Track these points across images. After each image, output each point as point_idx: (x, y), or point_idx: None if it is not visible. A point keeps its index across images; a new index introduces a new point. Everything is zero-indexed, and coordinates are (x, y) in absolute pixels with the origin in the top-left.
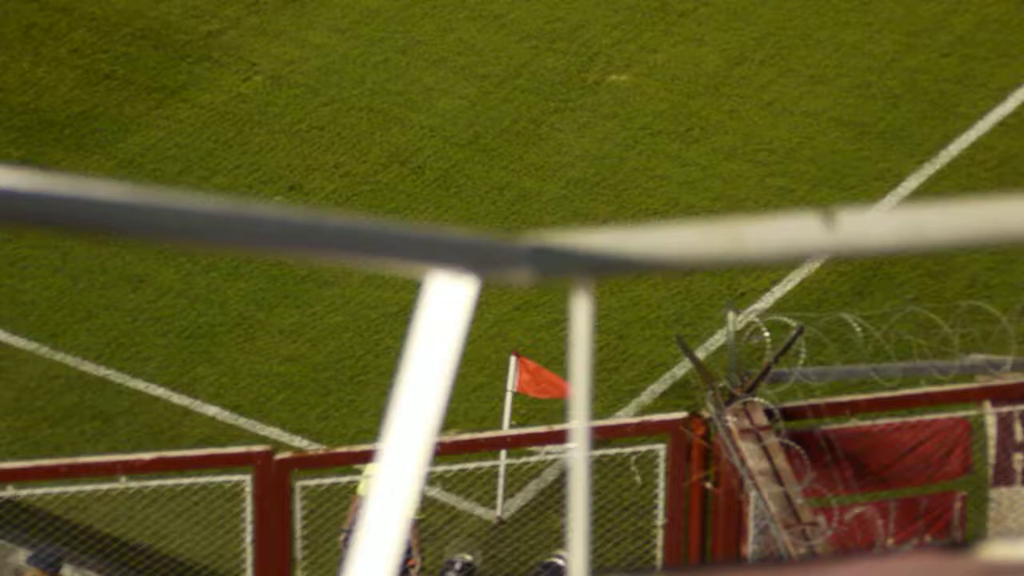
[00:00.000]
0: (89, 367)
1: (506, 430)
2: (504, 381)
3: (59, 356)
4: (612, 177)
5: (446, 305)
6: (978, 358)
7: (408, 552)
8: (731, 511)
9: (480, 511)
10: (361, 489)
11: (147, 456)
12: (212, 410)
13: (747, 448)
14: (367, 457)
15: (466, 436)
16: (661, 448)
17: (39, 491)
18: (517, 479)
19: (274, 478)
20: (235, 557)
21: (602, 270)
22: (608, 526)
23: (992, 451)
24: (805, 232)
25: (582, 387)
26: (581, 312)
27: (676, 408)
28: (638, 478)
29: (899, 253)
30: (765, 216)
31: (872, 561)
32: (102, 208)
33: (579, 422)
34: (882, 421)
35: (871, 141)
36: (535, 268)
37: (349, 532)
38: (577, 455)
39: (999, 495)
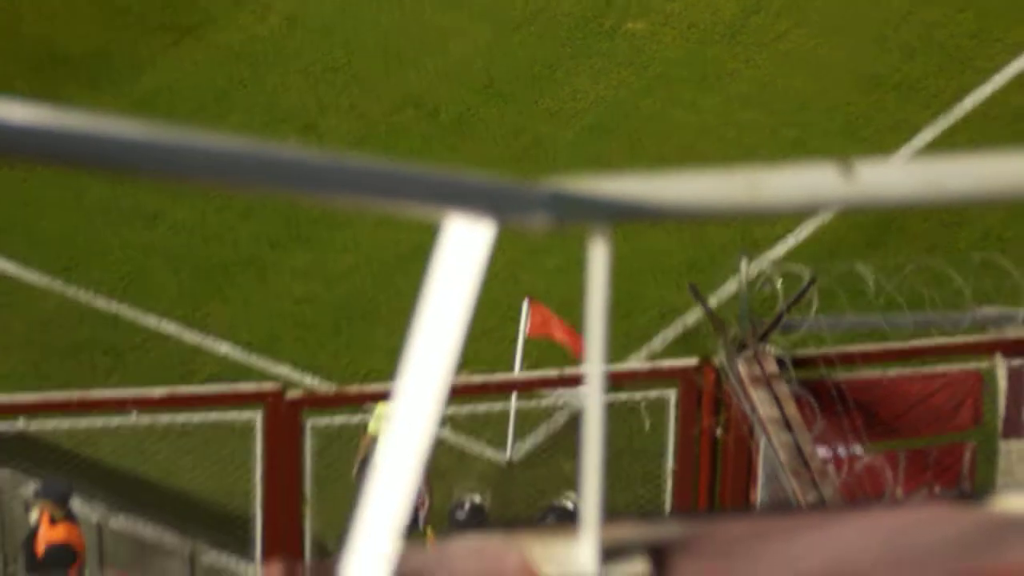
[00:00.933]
0: (101, 302)
1: (517, 373)
2: (516, 324)
3: (72, 291)
4: (626, 123)
5: (464, 249)
6: (990, 310)
7: (417, 492)
8: (741, 458)
9: (490, 453)
10: (371, 428)
11: (158, 392)
12: (224, 347)
13: (758, 396)
14: (378, 397)
15: (477, 378)
16: (672, 394)
17: (50, 424)
18: (527, 422)
19: (285, 416)
20: (244, 494)
21: (620, 216)
22: (618, 470)
23: (1002, 403)
24: (823, 183)
25: (599, 333)
26: (599, 258)
27: (687, 355)
28: (648, 423)
29: (917, 206)
30: (782, 165)
31: (884, 510)
32: (118, 145)
33: (595, 368)
34: (893, 372)
35: (886, 93)
36: (553, 213)
37: (362, 464)
38: (592, 401)
39: (1008, 447)
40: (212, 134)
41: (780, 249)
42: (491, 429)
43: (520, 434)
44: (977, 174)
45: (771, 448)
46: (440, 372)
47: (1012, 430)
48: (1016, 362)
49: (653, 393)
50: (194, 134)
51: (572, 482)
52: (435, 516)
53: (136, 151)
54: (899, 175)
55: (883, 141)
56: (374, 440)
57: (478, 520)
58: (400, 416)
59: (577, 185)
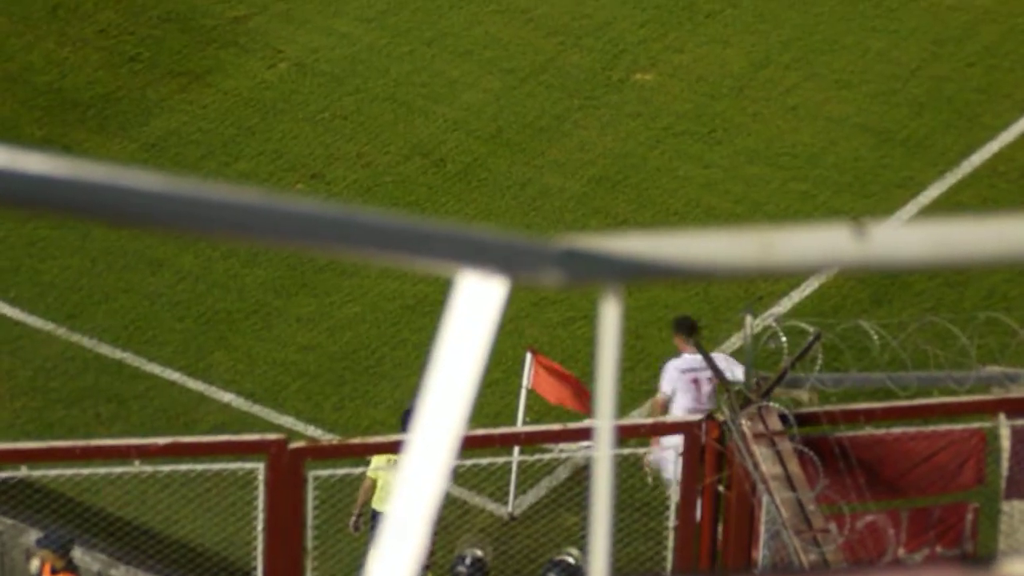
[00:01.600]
0: (106, 349)
1: (520, 426)
2: (519, 377)
3: (76, 337)
4: (634, 176)
5: (475, 305)
6: (994, 370)
7: None
8: (743, 515)
9: (492, 507)
10: (371, 473)
11: (161, 441)
12: (227, 396)
13: (761, 452)
14: (381, 449)
15: (480, 431)
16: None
17: (52, 472)
18: (530, 476)
19: (287, 467)
20: (246, 545)
21: (633, 275)
22: (620, 525)
23: (1005, 463)
24: (836, 244)
25: (608, 390)
26: (610, 316)
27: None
28: (650, 479)
29: (930, 269)
30: (791, 224)
31: (888, 573)
32: (133, 199)
33: (604, 425)
34: (896, 430)
35: (894, 148)
36: (566, 271)
37: (359, 516)
38: (602, 459)
39: (1011, 507)
40: (224, 187)
41: (785, 305)
42: (493, 482)
43: (522, 488)
44: (990, 237)
45: (773, 505)
46: (451, 429)
47: (1015, 491)
48: (1020, 422)
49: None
50: (206, 187)
51: (574, 537)
52: (436, 570)
53: (150, 205)
54: (912, 238)
55: (890, 197)
56: (372, 488)
57: (480, 574)
58: (411, 472)
59: (589, 243)
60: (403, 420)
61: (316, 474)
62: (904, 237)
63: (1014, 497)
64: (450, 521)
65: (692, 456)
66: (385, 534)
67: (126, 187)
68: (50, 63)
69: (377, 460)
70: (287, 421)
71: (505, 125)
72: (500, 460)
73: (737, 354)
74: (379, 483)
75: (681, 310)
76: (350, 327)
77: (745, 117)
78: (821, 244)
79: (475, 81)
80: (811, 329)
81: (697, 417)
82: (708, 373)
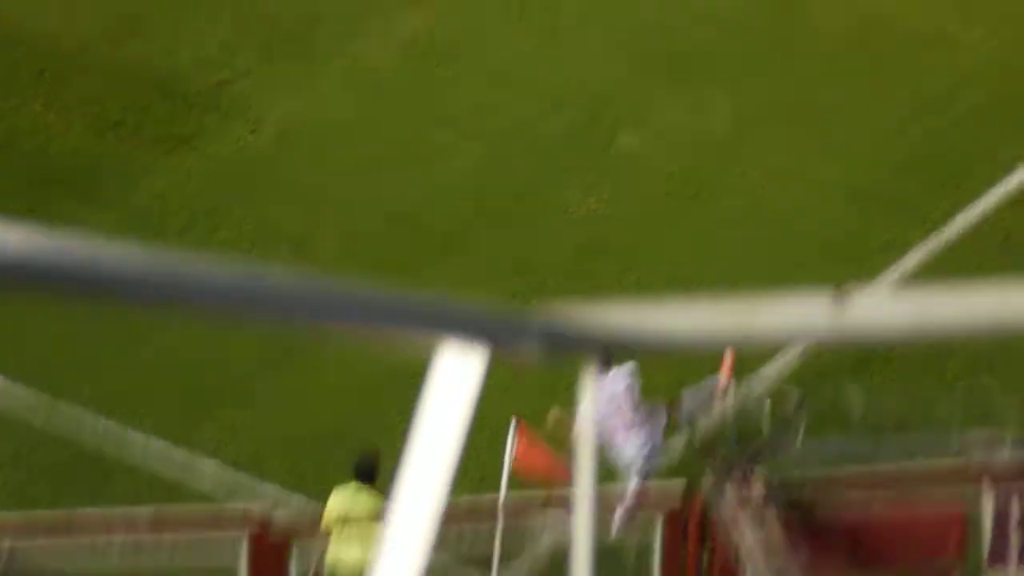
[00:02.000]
0: (90, 421)
1: (503, 495)
2: (503, 443)
3: (60, 409)
4: (617, 239)
5: (456, 376)
6: (977, 436)
7: None
8: None
9: None
10: (325, 522)
11: (145, 512)
12: (211, 468)
13: (744, 520)
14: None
15: (464, 500)
16: (658, 517)
17: (36, 545)
18: (513, 544)
19: (271, 538)
20: None
21: (612, 349)
22: None
23: (987, 530)
24: (817, 313)
25: (588, 460)
26: (591, 387)
27: (674, 477)
28: (634, 547)
29: (911, 339)
30: (776, 288)
31: None
32: (114, 280)
33: (585, 494)
34: (879, 497)
35: (877, 211)
36: (546, 344)
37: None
38: (581, 527)
39: (994, 574)
40: (200, 261)
41: (768, 371)
42: (476, 550)
43: (505, 556)
44: (970, 306)
45: (756, 573)
46: (432, 497)
47: (997, 558)
48: (1002, 489)
49: (639, 516)
50: (186, 261)
51: None
52: None
53: (124, 288)
54: (892, 307)
55: (874, 260)
56: (329, 532)
57: None
58: (393, 541)
59: (570, 314)
60: (356, 471)
61: (299, 545)
62: (884, 307)
63: (996, 564)
64: None
65: (675, 524)
66: None
67: (104, 268)
68: (36, 128)
69: (333, 501)
70: (271, 492)
71: (488, 191)
72: (484, 527)
73: (720, 421)
74: (333, 532)
75: (662, 376)
76: (334, 397)
77: (730, 178)
78: (802, 313)
79: (457, 148)
80: (794, 395)
81: (679, 485)
82: (624, 389)
